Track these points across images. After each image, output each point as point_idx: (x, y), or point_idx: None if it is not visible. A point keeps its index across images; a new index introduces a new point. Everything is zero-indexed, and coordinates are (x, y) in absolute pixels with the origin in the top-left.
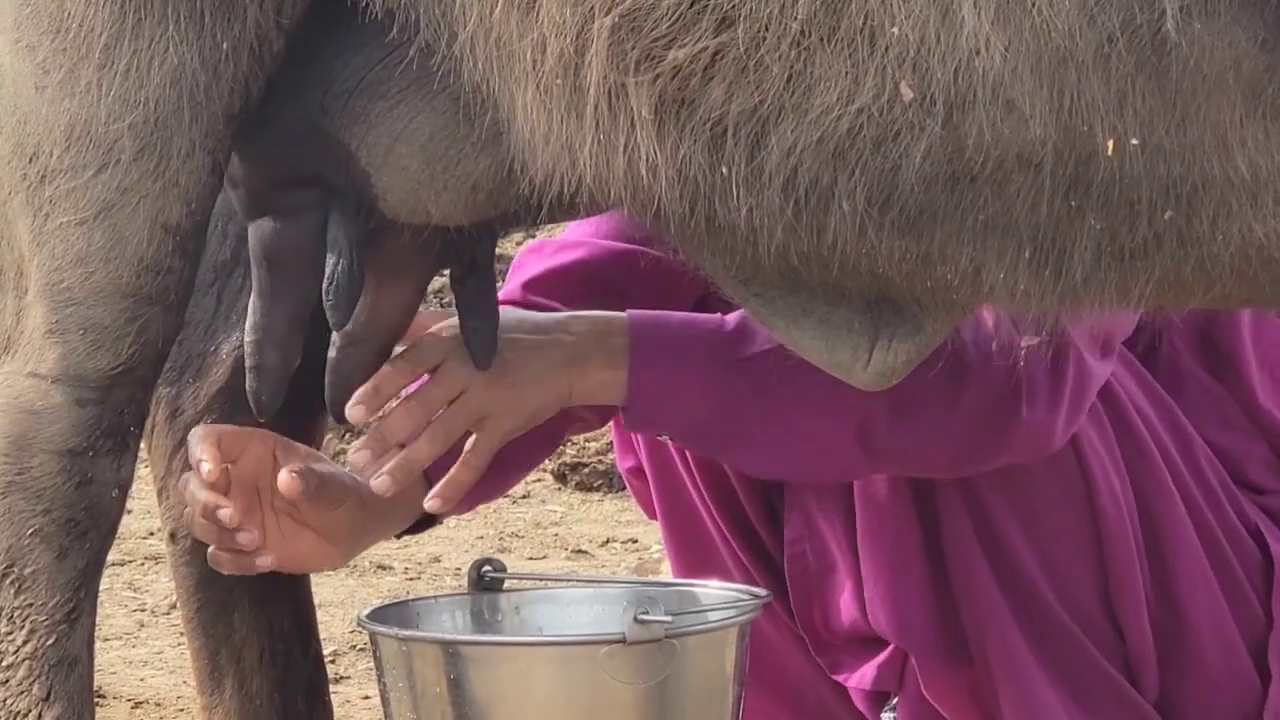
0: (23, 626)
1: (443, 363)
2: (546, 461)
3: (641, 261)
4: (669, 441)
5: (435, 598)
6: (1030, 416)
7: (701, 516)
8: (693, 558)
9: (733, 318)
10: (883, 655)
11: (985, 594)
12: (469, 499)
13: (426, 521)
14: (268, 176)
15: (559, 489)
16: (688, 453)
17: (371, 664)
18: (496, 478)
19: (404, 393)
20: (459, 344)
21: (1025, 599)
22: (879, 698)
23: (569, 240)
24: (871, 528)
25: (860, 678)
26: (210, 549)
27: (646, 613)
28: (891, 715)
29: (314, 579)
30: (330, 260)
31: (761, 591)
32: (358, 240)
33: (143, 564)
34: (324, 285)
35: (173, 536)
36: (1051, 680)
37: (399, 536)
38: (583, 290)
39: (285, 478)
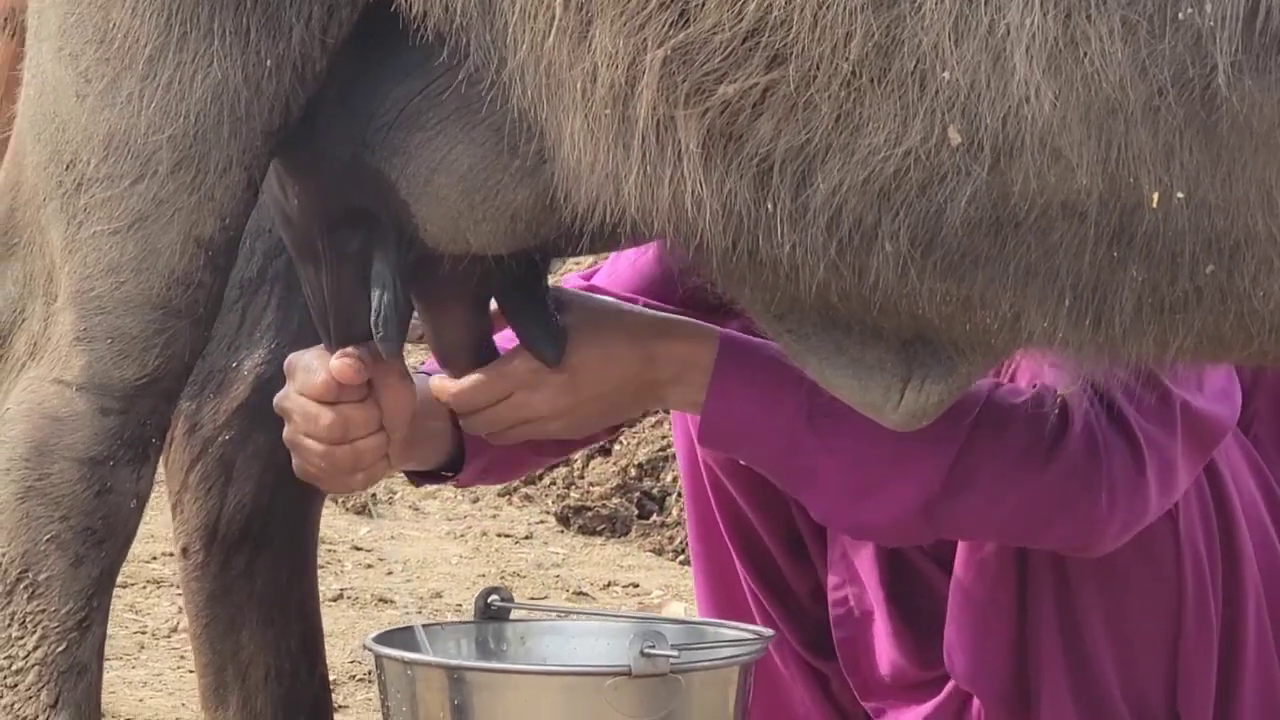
0: (34, 632)
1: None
2: (549, 503)
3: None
4: (703, 474)
5: (442, 625)
6: (1109, 514)
7: (731, 559)
8: (719, 595)
9: None
10: (930, 705)
11: (1052, 664)
12: (471, 478)
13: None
14: (318, 213)
15: (562, 531)
16: (715, 494)
17: (371, 695)
18: (510, 460)
19: None
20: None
21: (1090, 681)
22: None
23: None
24: (970, 575)
25: None
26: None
27: (653, 646)
28: None
29: None
30: (375, 294)
31: (767, 631)
32: (401, 272)
33: (144, 587)
34: (372, 319)
35: (184, 551)
36: None
37: (418, 483)
38: None
39: (339, 363)
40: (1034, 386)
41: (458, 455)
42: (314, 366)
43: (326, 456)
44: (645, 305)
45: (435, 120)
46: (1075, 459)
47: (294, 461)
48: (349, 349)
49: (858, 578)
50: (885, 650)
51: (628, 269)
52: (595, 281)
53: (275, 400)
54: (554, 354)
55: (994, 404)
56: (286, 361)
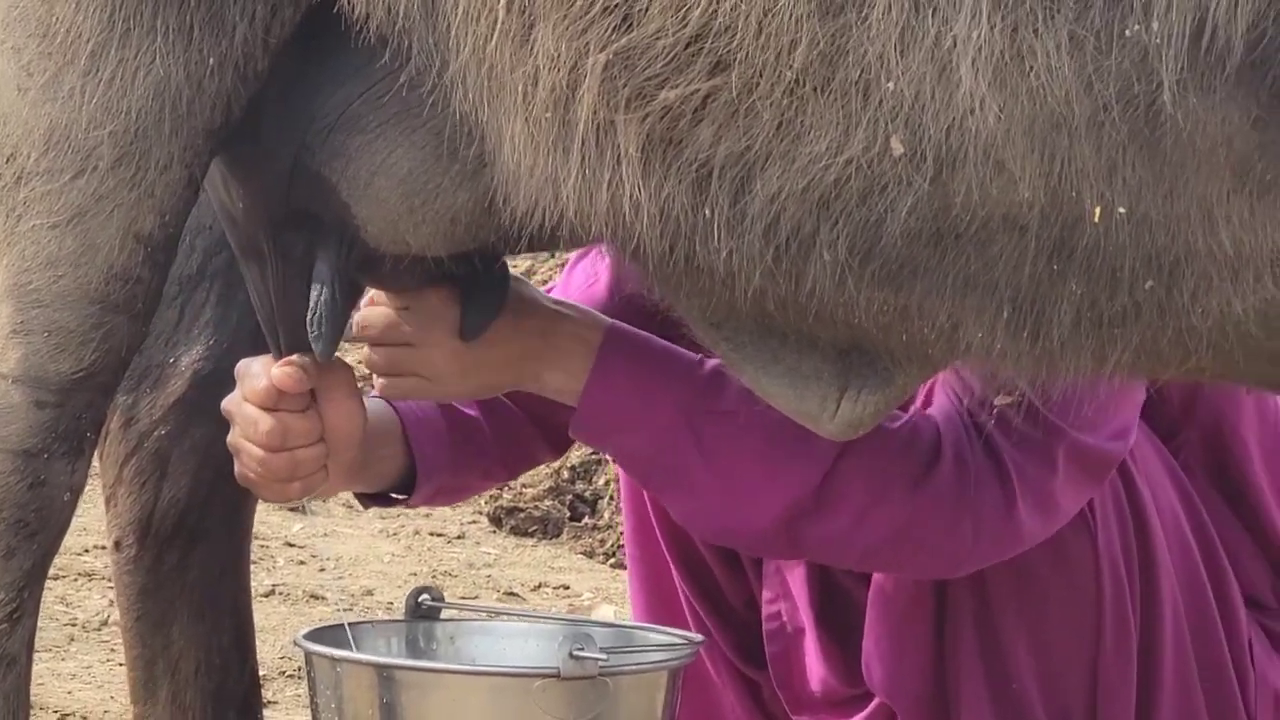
0: None
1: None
2: (482, 503)
3: None
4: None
5: (372, 623)
6: (974, 546)
7: (667, 565)
8: (655, 601)
9: (710, 364)
10: (857, 718)
11: (971, 675)
12: (421, 501)
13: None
14: (263, 215)
15: (494, 532)
16: (653, 500)
17: (301, 691)
18: (457, 486)
19: None
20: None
21: (1010, 693)
22: None
23: None
24: (890, 586)
25: None
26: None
27: (582, 649)
28: None
29: None
30: (314, 293)
31: (697, 637)
32: (341, 272)
33: (75, 579)
34: (308, 317)
35: (117, 545)
36: None
37: (366, 504)
38: None
39: (280, 371)
40: (909, 415)
41: (408, 479)
42: (258, 372)
43: (264, 463)
44: None
45: (376, 124)
46: (944, 490)
47: (235, 467)
48: (292, 358)
49: (790, 594)
50: (815, 666)
51: (582, 296)
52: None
53: (223, 403)
54: (477, 324)
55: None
56: (237, 366)
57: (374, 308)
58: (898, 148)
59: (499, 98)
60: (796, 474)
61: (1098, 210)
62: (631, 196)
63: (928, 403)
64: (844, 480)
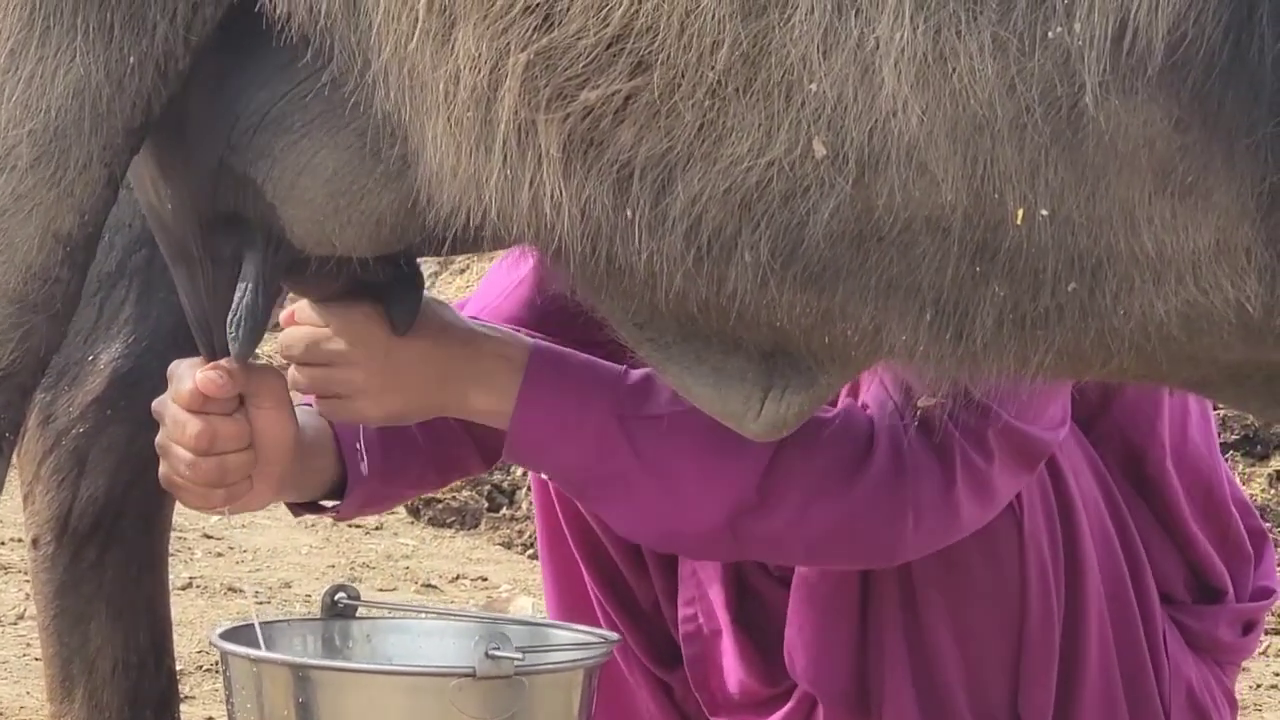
0: None
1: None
2: None
3: None
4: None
5: (288, 621)
6: (915, 532)
7: (578, 566)
8: (568, 601)
9: (637, 373)
10: (776, 717)
11: (895, 663)
12: (350, 511)
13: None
14: (192, 216)
15: (412, 523)
16: (561, 503)
17: (217, 685)
18: (388, 495)
19: None
20: (361, 315)
21: (932, 681)
22: None
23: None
24: (814, 575)
25: None
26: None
27: (498, 648)
28: None
29: None
30: (238, 293)
31: (612, 635)
32: (266, 275)
33: None
34: (229, 317)
35: (35, 542)
36: None
37: (297, 513)
38: None
39: (204, 375)
40: (843, 407)
41: (339, 487)
42: (184, 375)
43: (193, 466)
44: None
45: (300, 124)
46: (881, 479)
47: (160, 469)
48: (220, 362)
49: (706, 595)
50: (732, 668)
51: (504, 300)
52: (470, 313)
53: (153, 405)
54: (405, 322)
55: (804, 423)
56: (169, 368)
57: (296, 328)
58: (820, 150)
59: (421, 98)
60: (735, 472)
61: (1020, 212)
62: (553, 197)
63: (851, 393)
64: (783, 475)
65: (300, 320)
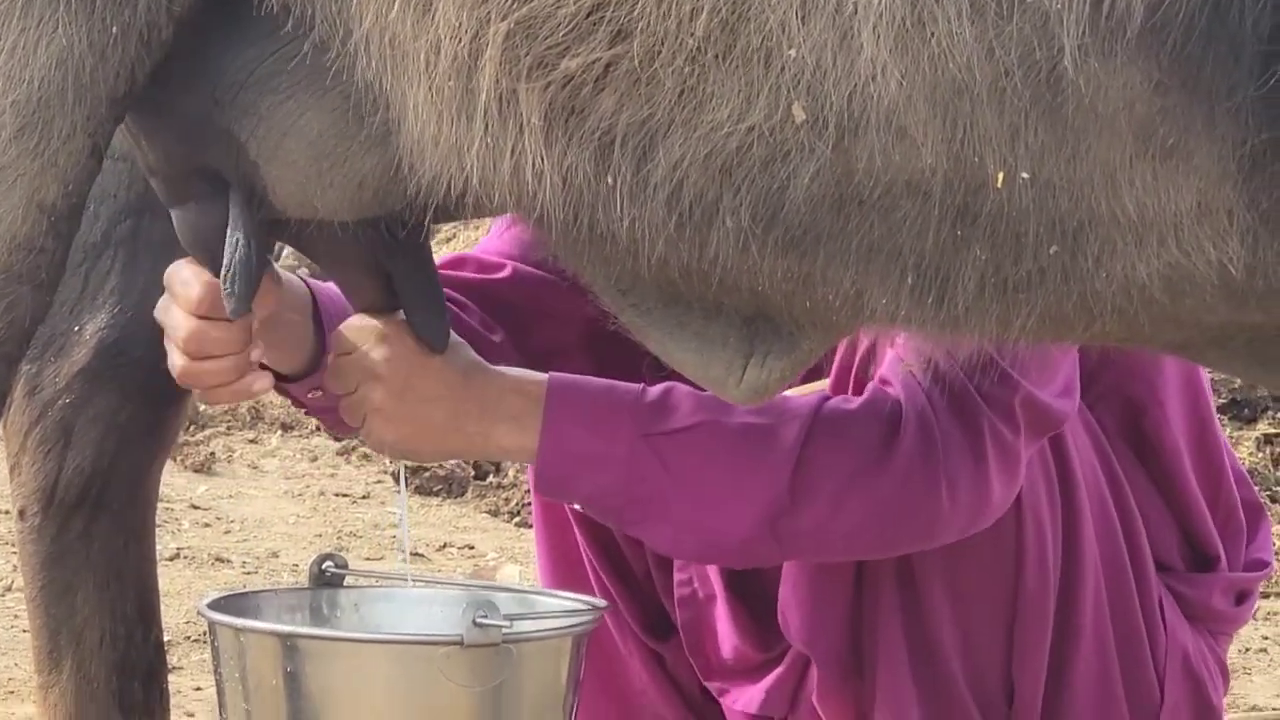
0: None
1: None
2: (387, 463)
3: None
4: None
5: (275, 591)
6: (952, 510)
7: (573, 533)
8: (561, 569)
9: (655, 390)
10: (769, 679)
11: (889, 626)
12: (331, 399)
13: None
14: (174, 166)
15: (399, 492)
16: None
17: (205, 655)
18: None
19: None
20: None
21: (926, 645)
22: None
23: (489, 260)
24: None
25: (746, 702)
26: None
27: (485, 616)
28: None
29: None
30: (229, 248)
31: (601, 602)
32: (255, 229)
33: None
34: (221, 273)
35: (22, 513)
36: None
37: (282, 390)
38: (501, 309)
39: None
40: (867, 392)
41: (316, 360)
42: (190, 280)
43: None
44: (515, 269)
45: (286, 84)
46: (912, 458)
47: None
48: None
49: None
50: (727, 634)
51: (495, 239)
52: (462, 253)
53: (155, 311)
54: (439, 337)
55: (826, 414)
56: (166, 272)
57: (344, 358)
58: (799, 115)
59: (402, 67)
60: (766, 473)
61: (1000, 176)
62: (534, 165)
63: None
64: (814, 469)
65: (342, 347)
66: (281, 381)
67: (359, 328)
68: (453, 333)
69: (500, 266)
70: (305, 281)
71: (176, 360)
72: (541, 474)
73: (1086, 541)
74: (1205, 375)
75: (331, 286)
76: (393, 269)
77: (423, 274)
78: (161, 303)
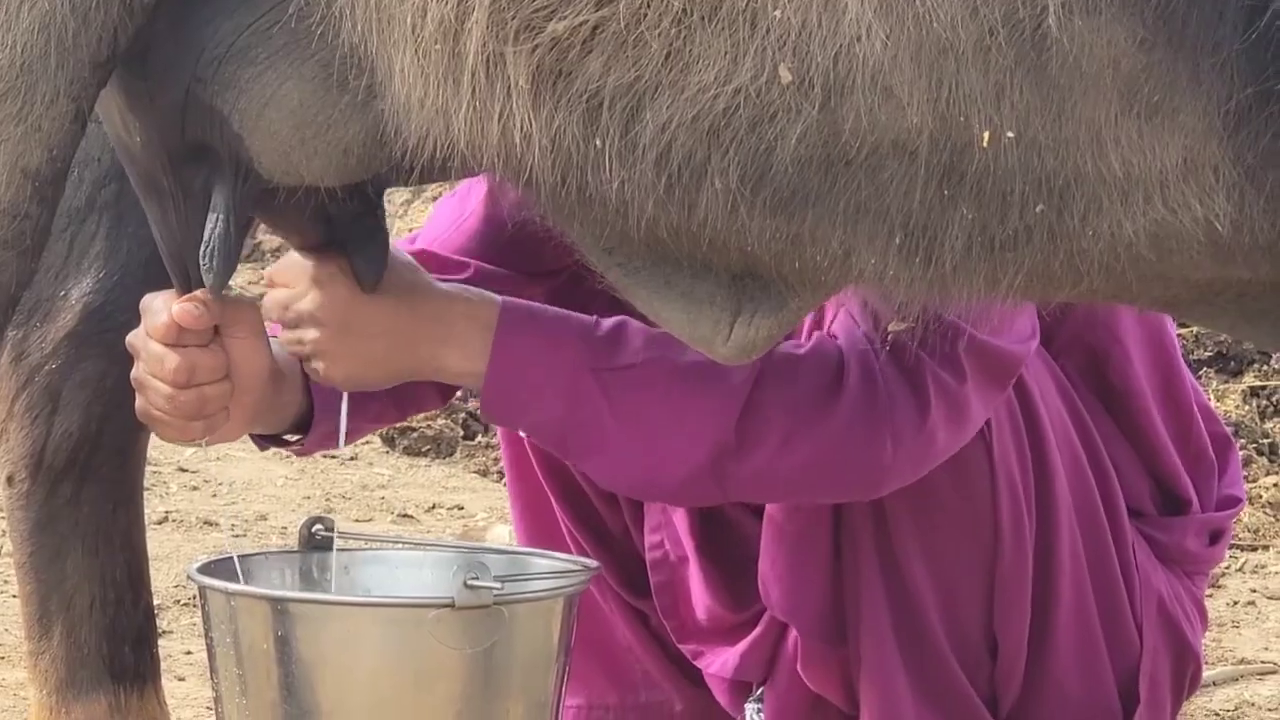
0: None
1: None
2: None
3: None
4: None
5: (265, 554)
6: (895, 458)
7: (547, 496)
8: (537, 530)
9: (608, 323)
10: (745, 643)
11: (870, 592)
12: (314, 444)
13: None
14: (161, 148)
15: (387, 452)
16: None
17: (196, 620)
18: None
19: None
20: (327, 271)
21: (908, 607)
22: (740, 688)
23: (450, 259)
24: (785, 510)
25: (722, 665)
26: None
27: (476, 578)
28: (756, 706)
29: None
30: (209, 224)
31: (592, 563)
32: (236, 205)
33: None
34: (200, 249)
35: (9, 480)
36: (912, 686)
37: (263, 446)
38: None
39: (181, 307)
40: (814, 339)
41: (305, 421)
42: (160, 308)
43: (171, 399)
44: (478, 268)
45: (265, 55)
46: (856, 408)
47: (137, 403)
48: (195, 293)
49: (671, 522)
50: (700, 595)
51: (454, 233)
52: (421, 246)
53: (128, 338)
54: (372, 278)
55: (775, 358)
56: (142, 301)
57: (272, 290)
58: (786, 76)
59: (388, 29)
60: (712, 415)
61: (986, 135)
62: (522, 128)
63: (817, 324)
64: (760, 413)
65: (277, 282)
66: (261, 440)
67: (294, 266)
68: (399, 253)
69: (463, 266)
70: None
71: (161, 389)
72: (487, 400)
73: (1060, 493)
74: (1168, 318)
75: None
76: (335, 212)
77: (367, 213)
78: (135, 334)
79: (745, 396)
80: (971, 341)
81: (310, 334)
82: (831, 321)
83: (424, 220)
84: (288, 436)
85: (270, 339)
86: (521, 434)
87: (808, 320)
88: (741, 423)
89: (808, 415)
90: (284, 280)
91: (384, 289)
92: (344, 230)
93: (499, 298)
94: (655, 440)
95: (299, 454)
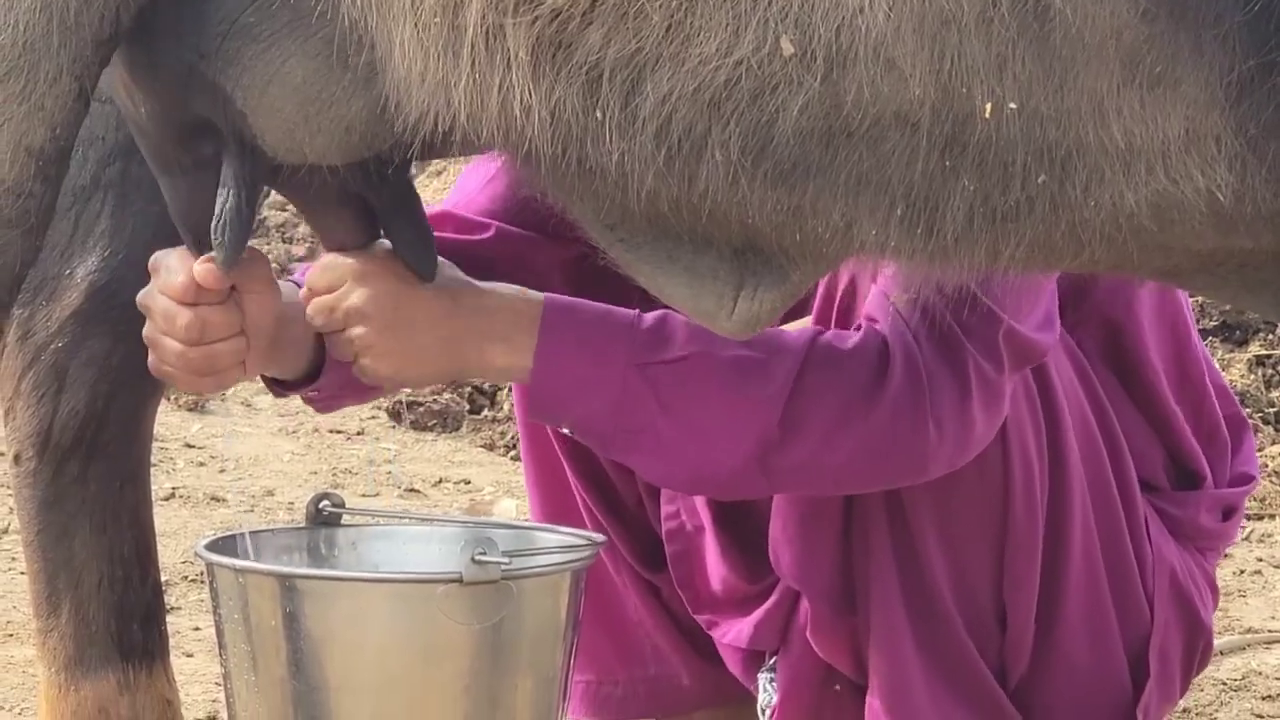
0: None
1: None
2: (382, 399)
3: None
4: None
5: (273, 530)
6: (939, 445)
7: (562, 468)
8: (552, 504)
9: (650, 317)
10: (758, 613)
11: (881, 560)
12: (329, 392)
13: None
14: (165, 125)
15: (393, 427)
16: None
17: (203, 595)
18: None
19: None
20: (371, 268)
21: (918, 576)
22: (753, 658)
23: (472, 220)
24: None
25: (736, 635)
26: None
27: (484, 553)
28: (769, 676)
29: None
30: (219, 198)
31: (598, 536)
32: (247, 180)
33: None
34: (212, 224)
35: (17, 458)
36: (921, 655)
37: (278, 393)
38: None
39: (202, 267)
40: (858, 328)
41: (317, 365)
42: (175, 267)
43: (182, 356)
44: (499, 229)
45: (268, 32)
46: (900, 395)
47: (149, 358)
48: (213, 253)
49: (687, 494)
50: (715, 565)
51: (477, 195)
52: (447, 207)
53: (138, 297)
54: (429, 266)
55: (819, 349)
56: (151, 259)
57: (317, 299)
58: (788, 48)
59: (387, 4)
60: (758, 407)
61: (989, 106)
62: (522, 100)
63: (847, 301)
64: (805, 405)
65: (317, 288)
66: (278, 385)
67: (335, 264)
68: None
69: (484, 227)
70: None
71: (172, 347)
72: (533, 396)
73: (1072, 466)
74: (1184, 294)
75: None
76: (376, 202)
77: (407, 205)
78: (146, 292)
79: (791, 388)
80: (1006, 330)
81: (358, 330)
82: (866, 303)
83: (429, 195)
84: (306, 394)
85: (280, 283)
86: (565, 430)
87: (820, 289)
88: (786, 416)
89: (852, 408)
90: (324, 284)
91: (431, 285)
92: (388, 224)
93: (540, 294)
94: (702, 435)
95: (318, 405)
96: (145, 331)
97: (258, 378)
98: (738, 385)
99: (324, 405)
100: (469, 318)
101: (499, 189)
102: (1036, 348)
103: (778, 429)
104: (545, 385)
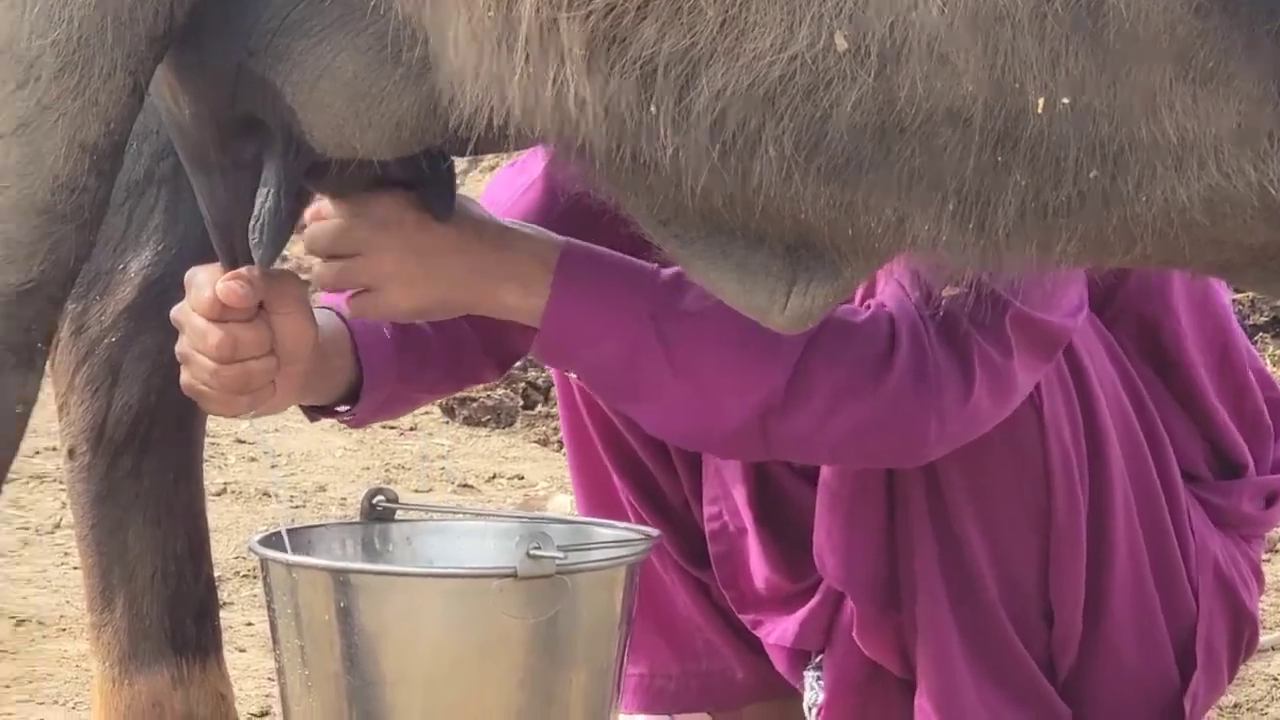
0: None
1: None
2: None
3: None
4: (574, 384)
5: (327, 525)
6: (939, 432)
7: (606, 469)
8: (597, 502)
9: (668, 271)
10: (803, 612)
11: (924, 557)
12: (366, 414)
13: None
14: (211, 121)
15: (446, 423)
16: (586, 402)
17: (256, 591)
18: (403, 397)
19: None
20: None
21: (963, 573)
22: (799, 656)
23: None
24: (837, 476)
25: (781, 634)
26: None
27: (539, 548)
28: (815, 674)
29: None
30: (259, 198)
31: (653, 531)
32: (287, 179)
33: (27, 482)
34: (250, 223)
35: (71, 453)
36: (967, 652)
37: (313, 417)
38: None
39: (225, 285)
40: (867, 306)
41: (355, 391)
42: (204, 283)
43: (216, 374)
44: None
45: (319, 27)
46: (904, 381)
47: (182, 377)
48: (240, 270)
49: (730, 494)
50: (759, 565)
51: (511, 206)
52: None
53: (171, 312)
54: (444, 208)
55: (829, 324)
56: (186, 275)
57: (320, 222)
58: (841, 43)
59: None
60: (765, 371)
61: (1041, 101)
62: (577, 95)
63: (869, 293)
64: (811, 374)
65: (325, 215)
66: (312, 410)
67: (359, 198)
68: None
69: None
70: (340, 317)
71: (204, 364)
72: (543, 339)
73: (1113, 459)
74: (1221, 284)
75: (366, 320)
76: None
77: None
78: (179, 308)
79: (797, 357)
80: (1016, 314)
81: (374, 262)
82: (880, 290)
83: (480, 191)
84: (339, 408)
85: (315, 310)
86: (570, 376)
87: (859, 290)
88: (791, 383)
89: (856, 383)
90: (333, 212)
91: (453, 217)
92: (408, 163)
93: (561, 238)
94: (707, 391)
95: (351, 425)
96: (178, 347)
97: None
98: (747, 347)
99: (357, 424)
100: (489, 249)
101: (533, 199)
102: (1055, 331)
103: (782, 395)
104: (555, 328)
